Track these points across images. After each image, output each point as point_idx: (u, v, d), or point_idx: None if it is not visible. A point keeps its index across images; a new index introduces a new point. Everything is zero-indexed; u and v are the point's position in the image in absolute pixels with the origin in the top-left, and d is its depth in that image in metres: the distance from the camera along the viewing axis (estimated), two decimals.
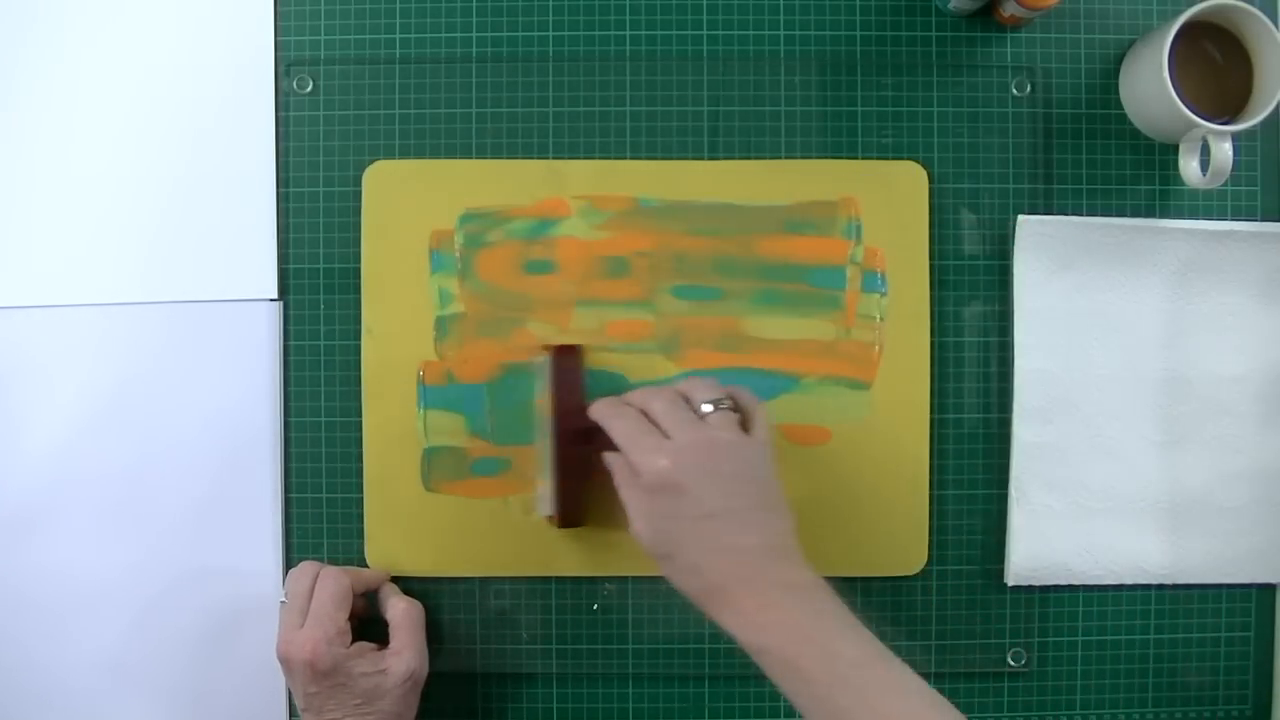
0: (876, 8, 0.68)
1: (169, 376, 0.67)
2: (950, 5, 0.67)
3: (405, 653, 0.62)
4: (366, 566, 0.67)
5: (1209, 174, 0.63)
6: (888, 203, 0.67)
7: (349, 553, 0.67)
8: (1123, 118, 0.68)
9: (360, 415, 0.67)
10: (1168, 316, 0.67)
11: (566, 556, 0.67)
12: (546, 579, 0.67)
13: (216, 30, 0.68)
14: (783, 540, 0.56)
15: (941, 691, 0.67)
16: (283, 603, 0.64)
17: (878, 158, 0.67)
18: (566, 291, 0.67)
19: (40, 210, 0.67)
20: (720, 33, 0.68)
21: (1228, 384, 0.67)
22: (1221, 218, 0.68)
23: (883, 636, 0.67)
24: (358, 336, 0.67)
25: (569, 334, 0.66)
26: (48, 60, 0.67)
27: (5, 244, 0.67)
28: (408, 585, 0.67)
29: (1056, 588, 0.67)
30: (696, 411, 0.58)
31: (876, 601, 0.67)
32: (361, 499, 0.67)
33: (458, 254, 0.67)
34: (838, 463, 0.67)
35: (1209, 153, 0.62)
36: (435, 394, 0.67)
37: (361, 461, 0.67)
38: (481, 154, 0.67)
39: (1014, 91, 0.68)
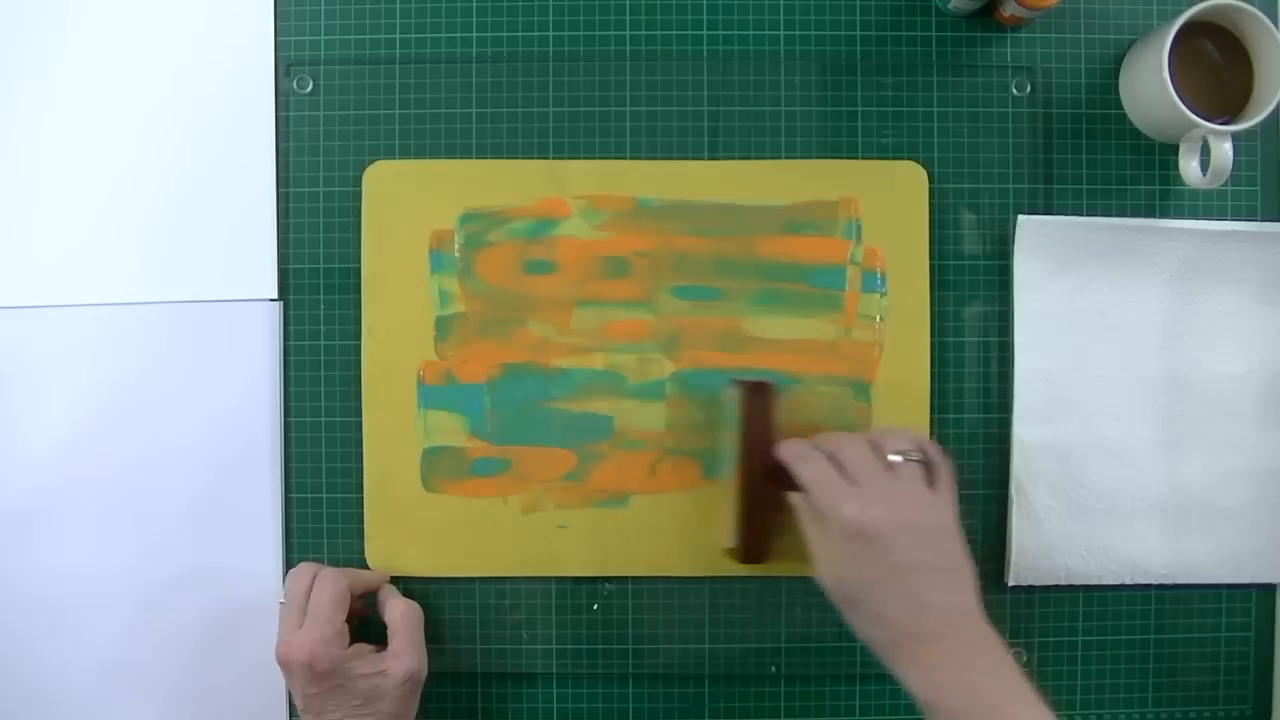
0: (876, 8, 0.68)
1: (169, 376, 0.67)
2: (950, 5, 0.67)
3: (404, 655, 0.62)
4: (367, 567, 0.67)
5: (1209, 174, 0.63)
6: (888, 203, 0.67)
7: (349, 553, 0.67)
8: (1123, 118, 0.68)
9: (360, 415, 0.67)
10: (1168, 316, 0.67)
11: (566, 557, 0.67)
12: (546, 579, 0.67)
13: (216, 30, 0.68)
14: (967, 599, 0.56)
15: None
16: (282, 603, 0.64)
17: (878, 158, 0.67)
18: (566, 291, 0.67)
19: (40, 210, 0.67)
20: (720, 33, 0.68)
21: (1228, 384, 0.67)
22: (1221, 218, 0.68)
23: None
24: (358, 336, 0.67)
25: (569, 333, 0.66)
26: (48, 60, 0.67)
27: (5, 244, 0.67)
28: (408, 585, 0.67)
29: (1056, 588, 0.67)
30: (885, 461, 0.58)
31: None
32: (361, 499, 0.67)
33: (458, 254, 0.67)
34: None
35: (1209, 153, 0.62)
36: (435, 394, 0.67)
37: (361, 461, 0.67)
38: (481, 154, 0.67)
39: (1014, 91, 0.68)
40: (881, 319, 0.67)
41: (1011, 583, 0.67)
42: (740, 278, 0.67)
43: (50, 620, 0.67)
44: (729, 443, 0.64)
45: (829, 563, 0.58)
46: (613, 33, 0.68)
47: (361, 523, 0.67)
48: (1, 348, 0.67)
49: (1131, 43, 0.67)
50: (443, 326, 0.67)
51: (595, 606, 0.67)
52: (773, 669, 0.67)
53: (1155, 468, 0.67)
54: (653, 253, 0.67)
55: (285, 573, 0.66)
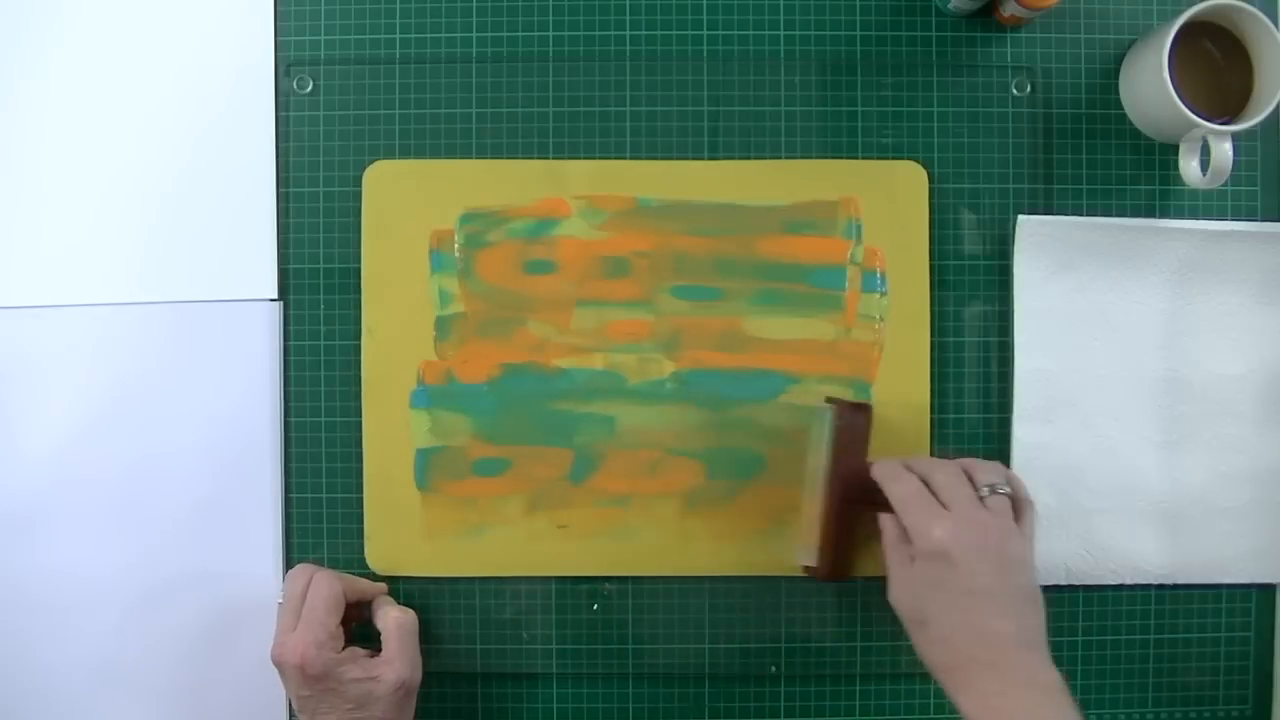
0: (876, 8, 0.68)
1: (169, 376, 0.67)
2: (950, 5, 0.67)
3: (397, 661, 0.62)
4: (366, 567, 0.67)
5: (1209, 174, 0.63)
6: (888, 203, 0.67)
7: (349, 553, 0.67)
8: (1123, 118, 0.68)
9: (360, 415, 0.67)
10: (1168, 316, 0.67)
11: (566, 557, 0.67)
12: (546, 579, 0.67)
13: (217, 30, 0.68)
14: (1035, 635, 0.57)
15: (941, 692, 0.68)
16: (280, 603, 0.64)
17: (878, 158, 0.67)
18: (566, 291, 0.67)
19: (41, 210, 0.67)
20: (720, 33, 0.68)
21: (1228, 384, 0.67)
22: (1221, 218, 0.68)
23: (883, 637, 0.67)
24: (358, 336, 0.67)
25: (569, 333, 0.66)
26: (47, 60, 0.67)
27: (5, 244, 0.67)
28: (408, 586, 0.67)
29: (1056, 588, 0.67)
30: (975, 490, 0.59)
31: (877, 601, 0.67)
32: (361, 499, 0.67)
33: (458, 254, 0.67)
34: None
35: (1209, 153, 0.62)
36: (436, 394, 0.67)
37: (361, 462, 0.67)
38: (481, 154, 0.67)
39: (1014, 91, 0.68)
40: (881, 319, 0.67)
41: None
42: (740, 278, 0.67)
43: (49, 620, 0.67)
44: (816, 461, 0.64)
45: (907, 581, 0.59)
46: (613, 33, 0.68)
47: (361, 523, 0.67)
48: (1, 348, 0.67)
49: (1131, 43, 0.67)
50: (443, 326, 0.67)
51: (595, 606, 0.67)
52: (773, 669, 0.67)
53: (1155, 468, 0.67)
54: (653, 253, 0.67)
55: (285, 573, 0.66)
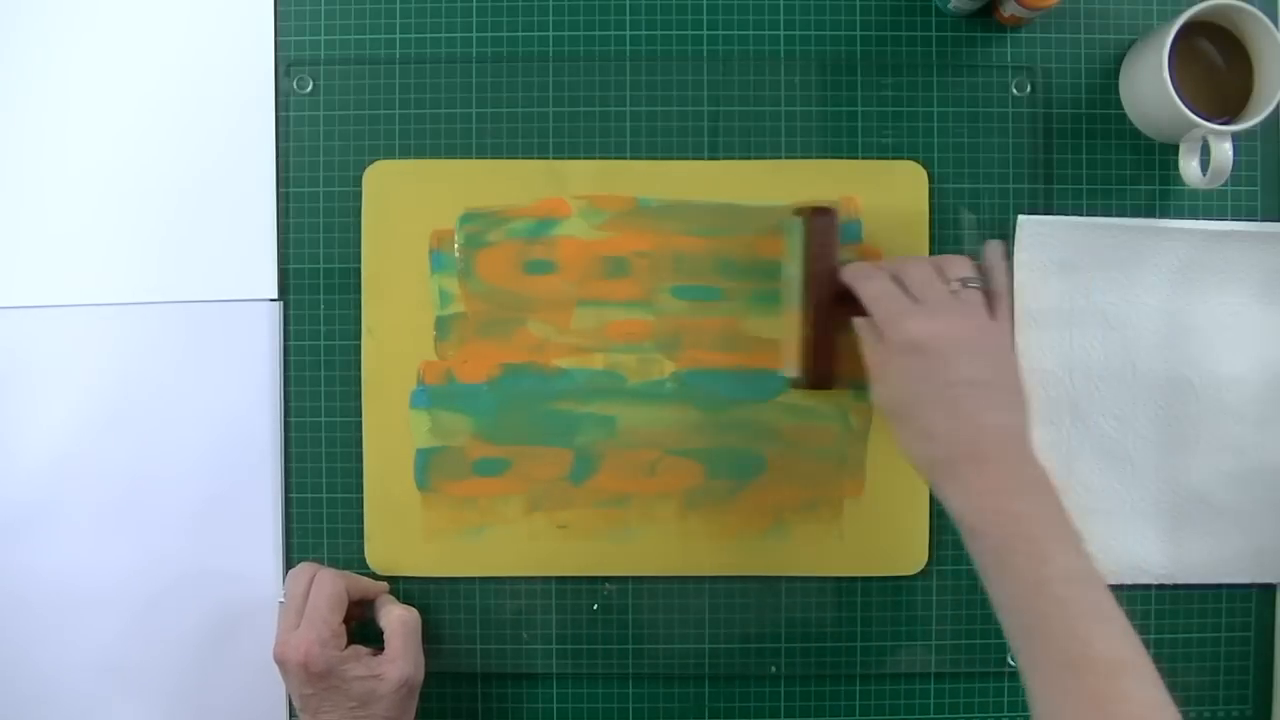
0: (876, 8, 0.68)
1: (169, 376, 0.67)
2: (950, 5, 0.67)
3: (400, 660, 0.62)
4: (367, 567, 0.67)
5: (1209, 174, 0.62)
6: (888, 203, 0.67)
7: (349, 553, 0.67)
8: (1123, 118, 0.68)
9: (360, 415, 0.67)
10: (1168, 316, 0.67)
11: (566, 556, 0.67)
12: (547, 579, 0.67)
13: (217, 30, 0.68)
14: (1019, 428, 0.57)
15: (942, 691, 0.68)
16: (282, 603, 0.64)
17: (878, 158, 0.67)
18: (566, 291, 0.67)
19: (41, 210, 0.67)
20: (720, 33, 0.68)
21: (1228, 384, 0.67)
22: (1221, 218, 0.68)
23: (883, 636, 0.67)
24: (358, 336, 0.67)
25: (569, 333, 0.66)
26: (48, 60, 0.67)
27: (5, 244, 0.67)
28: (408, 585, 0.67)
29: None
30: (949, 284, 0.59)
31: (876, 601, 0.67)
32: (361, 499, 0.67)
33: (458, 254, 0.67)
34: (837, 463, 0.67)
35: (1209, 153, 0.62)
36: (436, 394, 0.67)
37: (361, 462, 0.67)
38: (481, 154, 0.67)
39: (1014, 91, 0.68)
40: None
41: None
42: (740, 278, 0.67)
43: (49, 621, 0.67)
44: (792, 271, 0.64)
45: (885, 379, 0.58)
46: (613, 33, 0.68)
47: (361, 523, 0.67)
48: (1, 348, 0.67)
49: (1131, 43, 0.67)
50: (443, 326, 0.67)
51: (595, 606, 0.67)
52: (773, 669, 0.67)
53: (1155, 468, 0.67)
54: (653, 253, 0.67)
55: (285, 573, 0.66)
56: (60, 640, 0.67)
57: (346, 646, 0.61)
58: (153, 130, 0.67)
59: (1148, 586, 0.68)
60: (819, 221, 0.64)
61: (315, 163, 0.67)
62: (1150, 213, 0.68)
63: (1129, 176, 0.68)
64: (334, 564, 0.66)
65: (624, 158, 0.67)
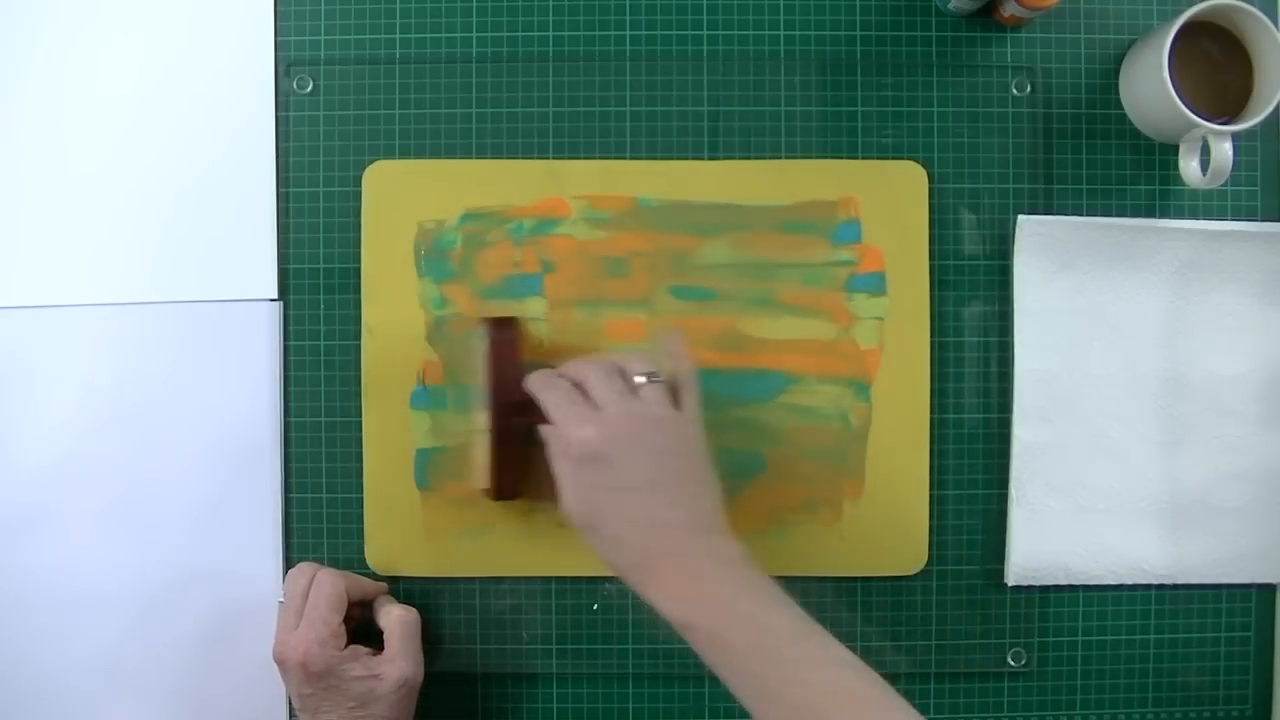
0: (876, 8, 0.68)
1: (169, 376, 0.67)
2: (950, 5, 0.67)
3: (399, 660, 0.62)
4: (367, 567, 0.67)
5: (1209, 174, 0.63)
6: (888, 203, 0.67)
7: (349, 553, 0.67)
8: (1123, 118, 0.68)
9: (360, 415, 0.67)
10: (1168, 316, 0.67)
11: (567, 557, 0.67)
12: (547, 579, 0.67)
13: (216, 30, 0.68)
14: (709, 517, 0.56)
15: (942, 691, 0.68)
16: (281, 602, 0.64)
17: (878, 158, 0.67)
18: (566, 291, 0.67)
19: (40, 210, 0.67)
20: (720, 33, 0.68)
21: (1228, 384, 0.67)
22: (1221, 218, 0.68)
23: (883, 636, 0.67)
24: (358, 336, 0.67)
25: (569, 333, 0.66)
26: (47, 61, 0.67)
27: (5, 244, 0.67)
28: (408, 586, 0.67)
29: (1056, 588, 0.67)
30: (629, 384, 0.58)
31: (876, 601, 0.67)
32: (361, 499, 0.67)
33: (458, 254, 0.67)
34: (837, 463, 0.67)
35: (1209, 153, 0.62)
36: (436, 394, 0.66)
37: (361, 461, 0.67)
38: (481, 154, 0.67)
39: (1014, 91, 0.68)
40: (881, 319, 0.67)
41: (1011, 583, 0.67)
42: (740, 278, 0.67)
43: (49, 621, 0.67)
44: (478, 382, 0.64)
45: (570, 488, 0.57)
46: (613, 33, 0.68)
47: (361, 523, 0.67)
48: (2, 348, 0.67)
49: (1131, 43, 0.67)
50: (443, 326, 0.67)
51: (595, 606, 0.67)
52: None
53: (1155, 468, 0.67)
54: (652, 253, 0.67)
55: (285, 573, 0.66)
56: (60, 640, 0.67)
57: (346, 646, 0.61)
58: (153, 130, 0.67)
59: (1148, 586, 0.68)
60: (499, 333, 0.63)
61: (315, 163, 0.67)
62: (1150, 213, 0.68)
63: (1129, 176, 0.68)
64: (334, 564, 0.66)
65: (624, 158, 0.67)
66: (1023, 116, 0.68)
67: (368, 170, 0.67)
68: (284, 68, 0.68)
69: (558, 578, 0.67)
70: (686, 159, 0.67)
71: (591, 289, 0.67)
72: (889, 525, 0.67)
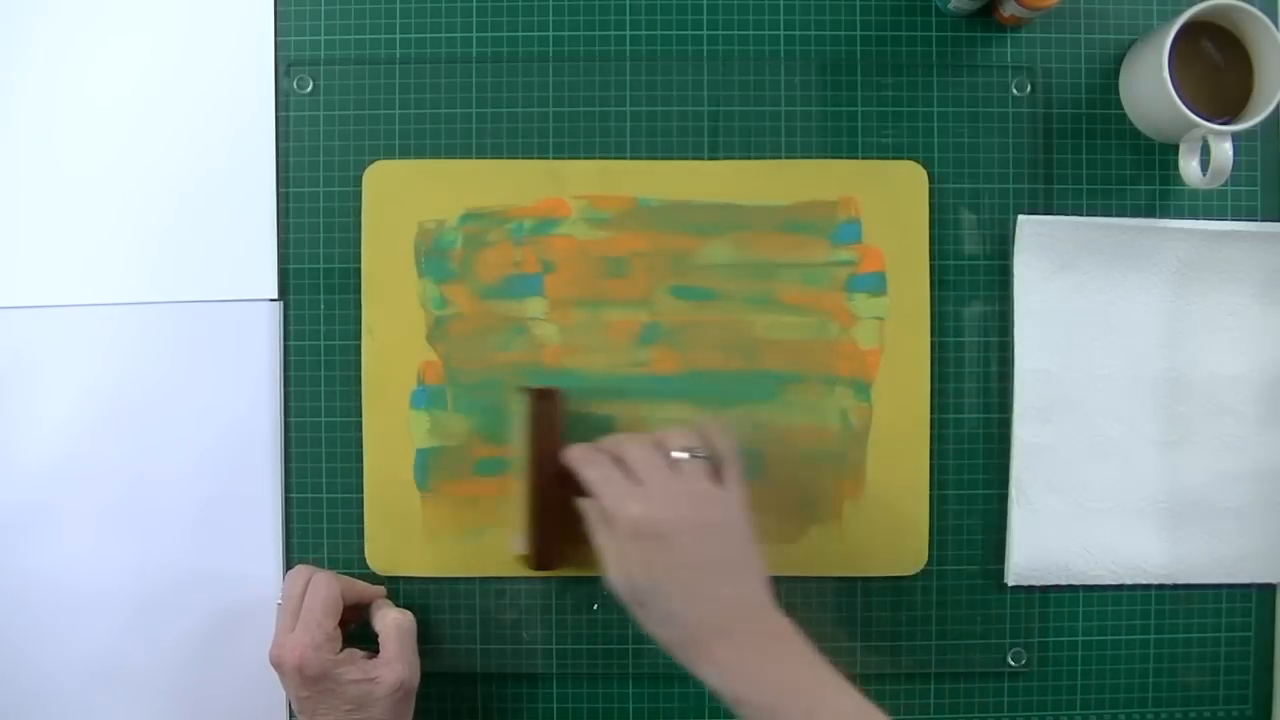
0: (876, 8, 0.68)
1: (169, 376, 0.67)
2: (950, 5, 0.67)
3: (395, 663, 0.61)
4: (367, 567, 0.67)
5: (1209, 174, 0.63)
6: (888, 203, 0.67)
7: (349, 554, 0.67)
8: (1123, 118, 0.68)
9: (360, 415, 0.67)
10: (1168, 316, 0.67)
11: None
12: (547, 579, 0.67)
13: (216, 30, 0.68)
14: (758, 593, 0.56)
15: (942, 691, 0.68)
16: (280, 604, 0.64)
17: (878, 158, 0.67)
18: (566, 291, 0.67)
19: (40, 210, 0.67)
20: (720, 33, 0.68)
21: (1228, 384, 0.67)
22: (1221, 218, 0.68)
23: (883, 637, 0.67)
24: (358, 336, 0.67)
25: (569, 333, 0.66)
26: (47, 61, 0.67)
27: (5, 244, 0.67)
28: (408, 586, 0.67)
29: (1056, 588, 0.67)
30: (670, 459, 0.58)
31: (876, 601, 0.67)
32: (362, 499, 0.67)
33: (458, 254, 0.67)
34: (837, 463, 0.67)
35: (1209, 153, 0.62)
36: (436, 394, 0.67)
37: (361, 462, 0.67)
38: (481, 154, 0.67)
39: (1014, 91, 0.68)
40: (881, 319, 0.67)
41: (1011, 583, 0.67)
42: (740, 278, 0.67)
43: (49, 622, 0.67)
44: (519, 449, 0.64)
45: (617, 564, 0.57)
46: (613, 33, 0.68)
47: (361, 523, 0.67)
48: (2, 348, 0.67)
49: (1131, 43, 0.67)
50: (443, 326, 0.67)
51: (595, 606, 0.67)
52: None
53: (1155, 468, 0.67)
54: (652, 253, 0.67)
55: (285, 573, 0.66)
56: (59, 640, 0.67)
57: (342, 650, 0.61)
58: (153, 130, 0.67)
59: (1148, 586, 0.68)
60: (542, 404, 0.63)
61: (315, 163, 0.67)
62: (1150, 213, 0.68)
63: (1129, 176, 0.68)
64: (334, 565, 0.66)
65: (624, 158, 0.67)
66: (1023, 116, 0.68)
67: (368, 170, 0.67)
68: (284, 68, 0.68)
69: (558, 578, 0.67)
70: (686, 159, 0.67)
71: (591, 289, 0.67)
72: (889, 525, 0.67)
